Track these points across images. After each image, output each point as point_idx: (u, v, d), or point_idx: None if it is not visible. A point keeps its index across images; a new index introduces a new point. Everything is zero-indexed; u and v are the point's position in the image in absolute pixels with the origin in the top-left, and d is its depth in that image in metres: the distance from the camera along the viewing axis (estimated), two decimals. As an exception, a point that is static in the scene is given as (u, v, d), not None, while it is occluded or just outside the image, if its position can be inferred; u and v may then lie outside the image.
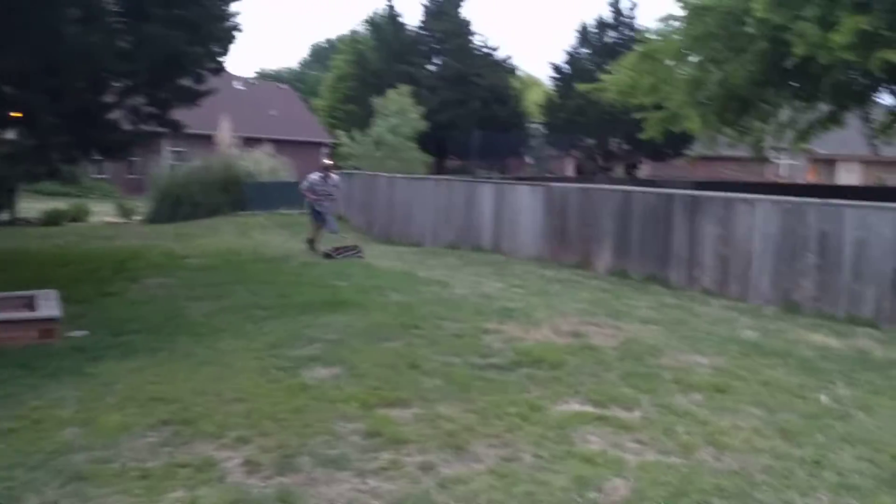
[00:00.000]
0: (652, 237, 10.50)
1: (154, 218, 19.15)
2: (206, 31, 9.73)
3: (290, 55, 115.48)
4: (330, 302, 8.69)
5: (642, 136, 17.19)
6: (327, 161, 13.64)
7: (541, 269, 11.83)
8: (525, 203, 12.97)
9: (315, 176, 13.62)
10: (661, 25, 15.44)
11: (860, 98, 17.34)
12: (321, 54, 71.15)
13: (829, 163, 46.16)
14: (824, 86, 15.80)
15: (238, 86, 39.75)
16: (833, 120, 18.38)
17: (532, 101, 37.45)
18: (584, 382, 5.92)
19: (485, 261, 12.69)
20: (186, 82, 11.51)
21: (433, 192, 15.22)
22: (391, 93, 24.21)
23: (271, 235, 17.29)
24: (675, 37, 14.55)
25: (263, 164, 20.41)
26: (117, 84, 9.45)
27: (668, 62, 14.91)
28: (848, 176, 45.69)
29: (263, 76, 66.16)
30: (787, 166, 44.80)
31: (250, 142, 23.34)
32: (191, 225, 18.30)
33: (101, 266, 11.61)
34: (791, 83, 15.70)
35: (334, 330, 7.42)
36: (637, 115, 17.86)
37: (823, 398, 5.70)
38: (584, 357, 6.59)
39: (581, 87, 18.52)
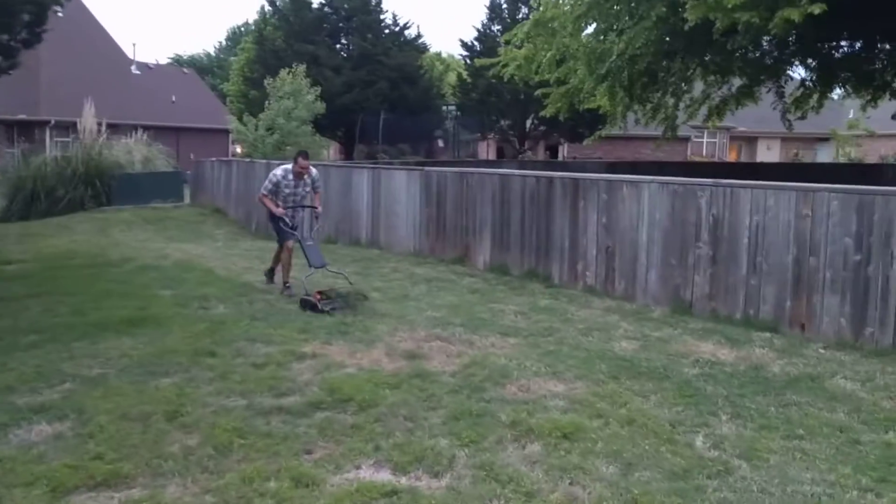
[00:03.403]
0: (532, 227, 9.11)
1: (6, 215, 16.97)
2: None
3: (207, 40, 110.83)
4: (130, 319, 7.06)
5: (543, 112, 15.80)
6: (302, 159, 8.53)
7: (414, 266, 10.34)
8: (402, 190, 11.44)
9: (280, 172, 8.54)
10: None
11: (773, 71, 16.43)
12: (238, 38, 68.09)
13: (751, 140, 46.16)
14: (735, 58, 14.81)
15: (135, 70, 37.05)
16: (746, 94, 17.44)
17: (449, 83, 35.89)
18: (394, 432, 4.45)
19: (355, 257, 11.13)
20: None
21: (309, 181, 13.55)
22: (283, 73, 22.33)
23: (133, 233, 15.37)
24: (570, 2, 13.17)
25: (136, 153, 18.38)
26: None
27: (566, 32, 13.51)
28: (768, 153, 45.73)
29: (178, 62, 62.97)
30: (709, 145, 44.53)
31: (128, 129, 21.15)
32: (45, 223, 16.24)
33: None
34: (701, 56, 14.63)
35: (104, 361, 5.82)
36: (539, 92, 16.55)
37: (699, 442, 4.36)
38: (409, 391, 5.13)
39: (479, 62, 17.02)
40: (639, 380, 5.42)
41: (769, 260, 6.76)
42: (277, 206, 8.55)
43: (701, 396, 5.09)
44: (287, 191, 8.62)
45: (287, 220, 8.58)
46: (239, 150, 27.94)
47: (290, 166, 8.63)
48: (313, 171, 8.84)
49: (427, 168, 11.25)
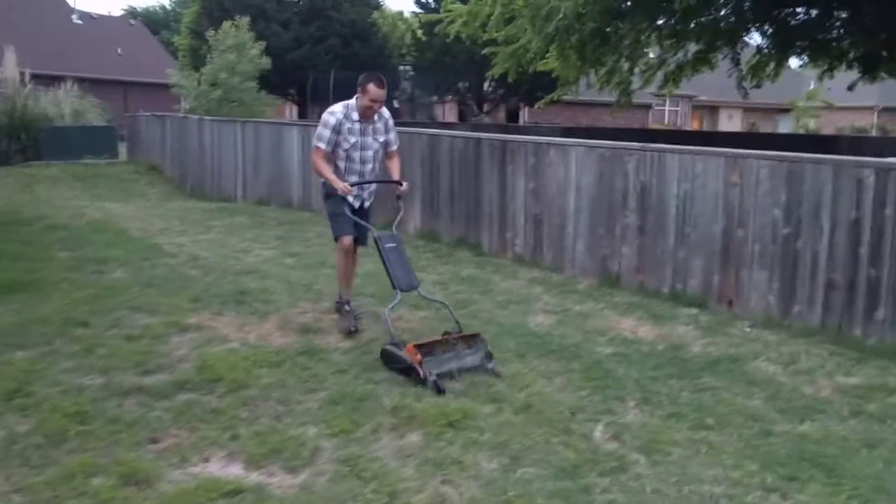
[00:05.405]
0: (462, 192, 8.61)
1: (-78, 171, 16.03)
2: None
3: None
4: (9, 284, 6.45)
5: (490, 73, 15.21)
6: (375, 86, 5.11)
7: (342, 230, 9.79)
8: (333, 150, 10.83)
9: (339, 109, 5.26)
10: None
11: (729, 37, 16.00)
12: (193, -9, 65.85)
13: (713, 109, 46.13)
14: (690, 22, 14.35)
15: (76, 20, 35.43)
16: (702, 61, 16.99)
17: (404, 43, 34.90)
18: (259, 418, 3.97)
19: (282, 220, 10.56)
20: None
21: (240, 138, 12.88)
22: (226, 25, 21.33)
23: (59, 191, 14.57)
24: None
25: (65, 105, 17.42)
26: None
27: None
28: (729, 123, 45.75)
29: (133, 14, 60.66)
30: (671, 113, 44.37)
31: (69, 81, 20.07)
32: (-36, 177, 15.37)
33: None
34: (652, 18, 14.15)
35: (-40, 332, 5.21)
36: (487, 51, 15.92)
37: (598, 432, 3.94)
38: (290, 370, 4.64)
39: (424, 17, 16.32)
40: (546, 359, 4.98)
41: (697, 231, 6.35)
42: (337, 173, 5.30)
43: (610, 379, 4.67)
44: (352, 140, 5.28)
45: (350, 200, 5.35)
46: (188, 105, 26.93)
47: (351, 101, 5.30)
48: (386, 111, 5.48)
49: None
